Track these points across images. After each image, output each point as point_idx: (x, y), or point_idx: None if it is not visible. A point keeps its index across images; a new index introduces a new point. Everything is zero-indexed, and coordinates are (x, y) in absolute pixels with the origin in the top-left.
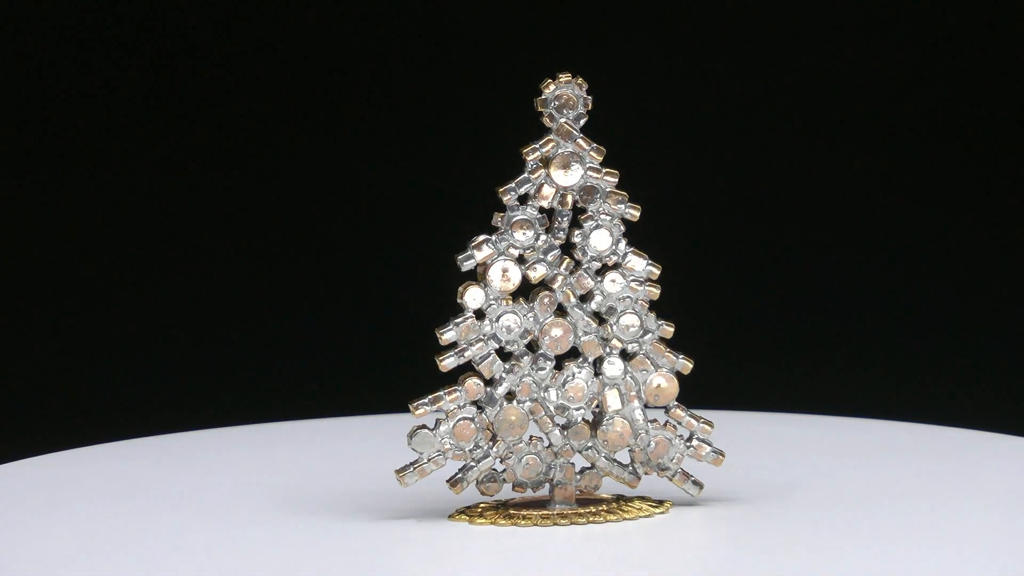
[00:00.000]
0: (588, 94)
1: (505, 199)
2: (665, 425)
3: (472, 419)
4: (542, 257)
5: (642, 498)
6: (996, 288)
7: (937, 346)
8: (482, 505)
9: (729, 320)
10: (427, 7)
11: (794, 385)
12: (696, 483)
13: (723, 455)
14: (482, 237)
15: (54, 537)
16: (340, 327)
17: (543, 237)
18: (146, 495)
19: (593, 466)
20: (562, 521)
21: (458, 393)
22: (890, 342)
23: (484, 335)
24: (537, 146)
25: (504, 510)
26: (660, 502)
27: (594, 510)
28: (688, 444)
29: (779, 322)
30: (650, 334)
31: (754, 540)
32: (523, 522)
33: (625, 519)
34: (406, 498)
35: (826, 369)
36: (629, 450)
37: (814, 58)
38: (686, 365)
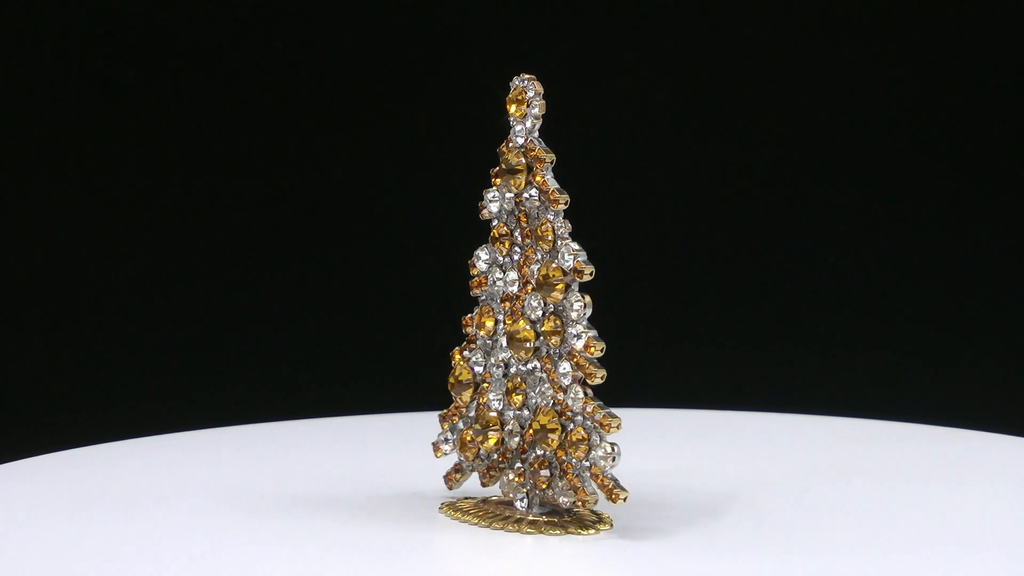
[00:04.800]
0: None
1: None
2: None
3: None
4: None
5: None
6: (996, 288)
7: (937, 346)
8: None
9: (727, 319)
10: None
11: (794, 385)
12: None
13: None
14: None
15: (53, 537)
16: (340, 328)
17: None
18: (145, 495)
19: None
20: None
21: None
22: (890, 342)
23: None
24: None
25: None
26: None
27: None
28: None
29: (778, 322)
30: None
31: (754, 540)
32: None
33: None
34: (407, 499)
35: (826, 369)
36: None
37: (801, 49)
38: None
